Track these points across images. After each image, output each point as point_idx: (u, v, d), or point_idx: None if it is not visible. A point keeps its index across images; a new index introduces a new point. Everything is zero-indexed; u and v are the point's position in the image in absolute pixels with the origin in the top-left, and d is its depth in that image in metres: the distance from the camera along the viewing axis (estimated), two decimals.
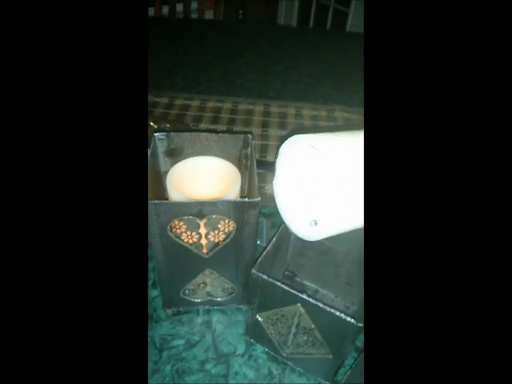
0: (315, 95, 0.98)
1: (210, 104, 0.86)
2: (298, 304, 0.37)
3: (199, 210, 0.35)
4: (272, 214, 0.63)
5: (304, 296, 0.36)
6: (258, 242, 0.58)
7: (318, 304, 0.35)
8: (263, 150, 0.75)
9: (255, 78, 1.03)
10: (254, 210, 0.37)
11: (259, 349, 0.46)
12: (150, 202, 0.35)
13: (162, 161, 0.44)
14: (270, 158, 0.73)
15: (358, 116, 0.91)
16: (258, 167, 0.69)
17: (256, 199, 0.36)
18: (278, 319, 0.40)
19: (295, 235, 0.48)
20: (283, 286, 0.37)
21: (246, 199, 0.36)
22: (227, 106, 0.86)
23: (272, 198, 0.67)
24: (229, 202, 0.36)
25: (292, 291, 0.36)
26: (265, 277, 0.37)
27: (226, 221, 0.37)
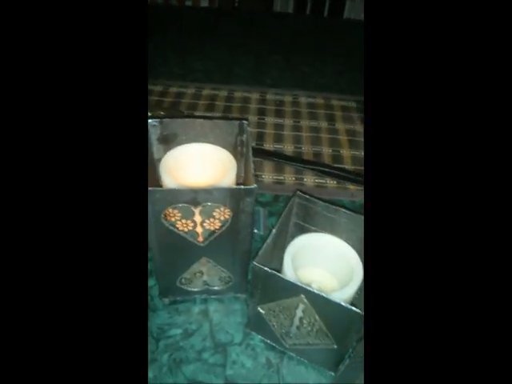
0: (312, 83, 0.96)
1: (206, 92, 0.85)
2: (302, 295, 0.36)
3: (193, 197, 0.35)
4: (269, 203, 0.63)
5: (308, 287, 0.35)
6: (256, 231, 0.58)
7: (323, 295, 0.35)
8: (260, 137, 0.74)
9: (252, 65, 1.01)
10: (250, 198, 0.36)
11: (257, 338, 0.45)
12: None
13: (156, 148, 0.43)
14: (266, 146, 0.72)
15: (355, 104, 0.90)
16: (254, 155, 0.68)
17: (252, 186, 0.36)
18: (280, 311, 0.40)
19: (293, 225, 0.48)
20: (286, 278, 0.37)
21: (242, 187, 0.35)
22: (223, 93, 0.85)
23: (269, 186, 0.66)
24: (224, 190, 0.35)
25: (296, 283, 0.36)
26: (267, 269, 0.36)
27: (222, 209, 0.37)
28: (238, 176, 0.42)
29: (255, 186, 0.35)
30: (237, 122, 0.42)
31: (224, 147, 0.42)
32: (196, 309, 0.48)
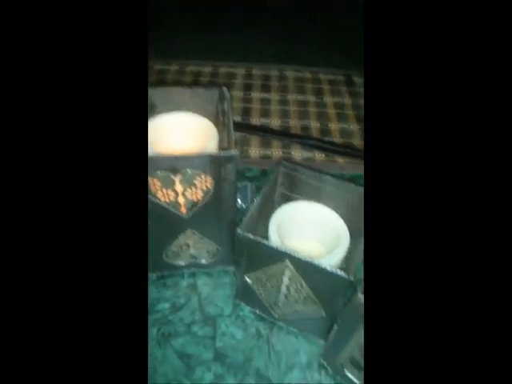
0: (300, 57, 0.95)
1: (190, 68, 0.83)
2: (286, 260, 0.36)
3: (172, 164, 0.34)
4: (256, 177, 0.62)
5: (292, 252, 0.35)
6: (244, 206, 0.57)
7: (307, 259, 0.34)
8: (246, 112, 0.72)
9: (238, 40, 0.99)
10: (231, 164, 0.36)
11: (246, 309, 0.45)
12: None
13: None
14: (253, 121, 0.71)
15: (343, 78, 0.89)
16: (241, 130, 0.68)
17: (232, 152, 0.35)
18: (267, 279, 0.40)
19: (279, 195, 0.47)
20: (269, 243, 0.36)
21: (222, 152, 0.34)
22: (207, 69, 0.83)
23: (256, 161, 0.65)
24: (203, 156, 0.34)
25: (279, 248, 0.35)
26: (250, 236, 0.36)
27: (203, 176, 0.36)
28: (220, 146, 0.41)
29: (235, 151, 0.35)
30: (216, 90, 0.41)
31: (205, 116, 0.41)
32: (184, 283, 0.47)
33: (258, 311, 0.45)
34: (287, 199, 0.45)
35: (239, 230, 0.36)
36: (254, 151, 0.65)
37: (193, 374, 0.40)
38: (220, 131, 0.42)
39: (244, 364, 0.41)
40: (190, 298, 0.46)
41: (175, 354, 0.41)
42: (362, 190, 0.41)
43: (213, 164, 0.35)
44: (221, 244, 0.45)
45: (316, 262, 0.34)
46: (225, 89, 0.41)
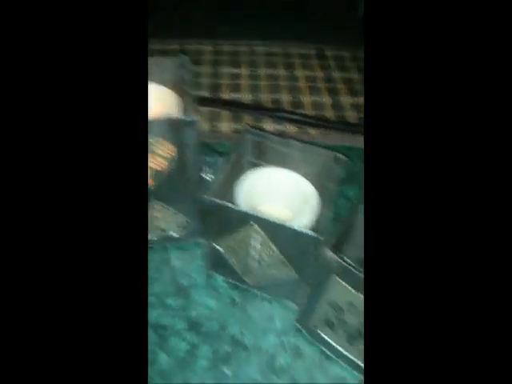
0: (269, 32, 0.93)
1: (155, 47, 0.81)
2: (254, 224, 0.36)
3: None
4: (227, 153, 0.61)
5: (257, 214, 0.35)
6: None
7: (274, 220, 0.34)
8: (215, 88, 0.72)
9: (207, 16, 0.97)
10: (192, 130, 0.35)
11: (220, 279, 0.45)
12: None
13: None
14: (223, 96, 0.70)
15: (315, 52, 0.88)
16: (210, 105, 0.67)
17: (191, 116, 0.34)
18: (236, 245, 0.39)
19: (248, 164, 0.47)
20: (235, 206, 0.36)
21: (180, 116, 0.34)
22: (174, 47, 0.81)
23: (227, 135, 0.65)
24: (160, 121, 0.34)
25: (244, 210, 0.35)
26: (216, 200, 0.36)
27: (162, 143, 0.35)
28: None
29: (195, 116, 0.34)
30: (176, 58, 0.40)
31: (166, 86, 0.41)
32: (156, 257, 0.47)
33: (231, 280, 0.44)
34: (255, 167, 0.45)
35: (205, 196, 0.36)
36: (225, 126, 0.65)
37: (167, 344, 0.40)
38: (182, 100, 0.41)
39: (219, 332, 0.41)
40: (162, 271, 0.46)
41: (149, 327, 0.41)
42: (330, 153, 0.41)
43: (171, 129, 0.34)
44: (190, 216, 0.44)
45: (282, 221, 0.34)
46: (184, 56, 0.40)
